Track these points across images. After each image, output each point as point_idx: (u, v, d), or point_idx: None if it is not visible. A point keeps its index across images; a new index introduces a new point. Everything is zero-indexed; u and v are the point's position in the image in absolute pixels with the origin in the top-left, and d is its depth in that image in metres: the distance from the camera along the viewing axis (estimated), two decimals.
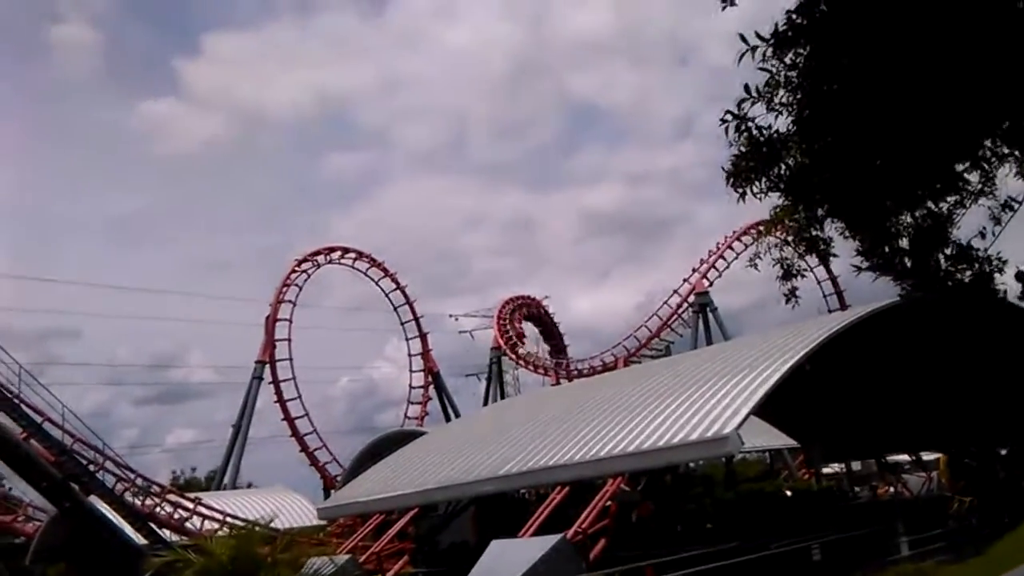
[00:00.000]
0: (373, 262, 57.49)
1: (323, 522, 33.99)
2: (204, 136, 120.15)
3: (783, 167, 6.36)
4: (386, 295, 58.46)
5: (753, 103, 6.29)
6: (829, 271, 59.49)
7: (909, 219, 6.73)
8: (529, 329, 64.57)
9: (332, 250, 56.32)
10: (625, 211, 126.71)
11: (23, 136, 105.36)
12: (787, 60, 6.20)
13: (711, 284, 58.20)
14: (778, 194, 6.52)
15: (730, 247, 57.25)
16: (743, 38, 6.06)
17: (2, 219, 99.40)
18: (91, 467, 30.25)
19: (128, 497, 31.17)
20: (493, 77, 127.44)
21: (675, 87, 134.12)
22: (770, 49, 6.10)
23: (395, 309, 58.76)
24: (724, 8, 6.13)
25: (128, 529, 30.01)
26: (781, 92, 6.23)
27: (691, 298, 57.73)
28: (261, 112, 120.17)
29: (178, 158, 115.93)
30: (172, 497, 34.22)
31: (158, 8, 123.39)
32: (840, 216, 6.61)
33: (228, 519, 28.92)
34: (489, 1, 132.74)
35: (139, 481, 33.17)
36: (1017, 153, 6.41)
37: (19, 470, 30.21)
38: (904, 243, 6.79)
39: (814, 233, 6.88)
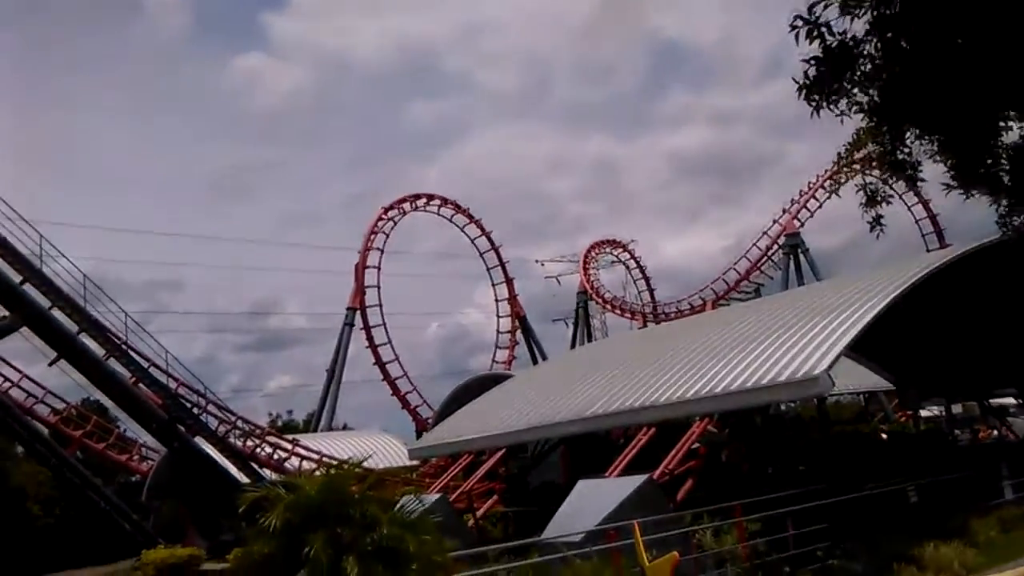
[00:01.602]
0: (458, 208, 57.75)
1: (416, 463, 34.93)
2: (292, 89, 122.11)
3: (866, 84, 5.90)
4: (472, 241, 58.89)
5: (827, 5, 5.82)
6: (928, 209, 57.20)
7: (1011, 136, 6.24)
8: (617, 272, 64.25)
9: (418, 197, 56.77)
10: (713, 152, 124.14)
11: (125, 96, 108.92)
12: None
13: (802, 224, 56.64)
14: (861, 115, 6.09)
15: (822, 186, 55.36)
16: None
17: (110, 176, 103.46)
18: (195, 410, 31.69)
19: (230, 438, 32.60)
20: (576, 18, 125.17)
21: (763, 23, 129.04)
22: None
23: (481, 255, 59.15)
24: None
25: (231, 468, 31.41)
26: None
27: (781, 239, 56.25)
28: (346, 62, 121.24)
29: (268, 111, 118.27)
30: (271, 438, 35.62)
31: None
32: (931, 132, 6.13)
33: (324, 459, 29.94)
34: None
35: (240, 423, 34.60)
36: None
37: (131, 412, 31.91)
38: (1003, 164, 6.29)
39: (900, 156, 6.42)
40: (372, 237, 53.44)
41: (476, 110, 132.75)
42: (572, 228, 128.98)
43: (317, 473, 12.26)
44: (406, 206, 55.85)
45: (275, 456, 33.67)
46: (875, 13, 5.70)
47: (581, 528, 14.74)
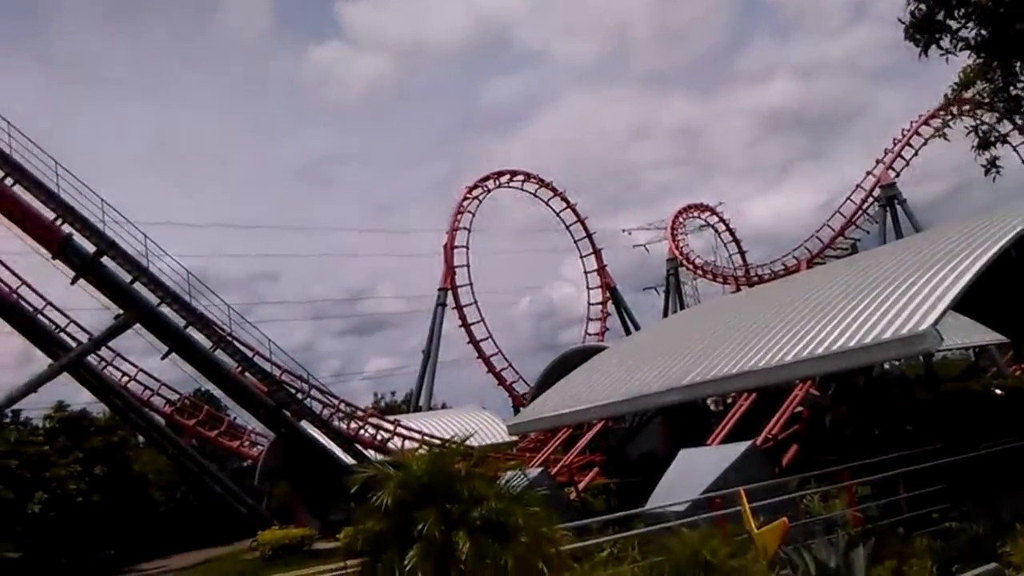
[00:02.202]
0: (542, 183, 57.68)
1: (515, 438, 35.28)
2: (370, 76, 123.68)
3: (974, 19, 5.58)
4: (557, 214, 58.79)
5: None
6: None
7: None
8: (706, 237, 63.27)
9: (500, 174, 56.90)
10: (800, 107, 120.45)
11: (208, 92, 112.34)
12: None
13: (898, 175, 54.52)
14: (968, 52, 5.78)
15: (917, 133, 53.12)
16: None
17: (200, 172, 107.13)
18: (299, 395, 32.72)
19: (334, 421, 33.57)
20: None
21: None
22: None
23: (567, 228, 59.02)
24: None
25: (336, 450, 32.37)
26: None
27: (876, 191, 54.30)
28: (421, 45, 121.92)
29: (349, 100, 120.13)
30: (373, 420, 36.51)
31: None
32: None
33: (426, 438, 30.53)
34: None
35: (343, 406, 35.58)
36: None
37: (238, 400, 33.24)
38: None
39: (1014, 91, 6.07)
40: (458, 217, 53.94)
41: (554, 82, 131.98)
42: (658, 195, 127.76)
43: (421, 452, 12.52)
44: (489, 184, 56.08)
45: (378, 437, 34.51)
46: None
47: (685, 497, 14.68)
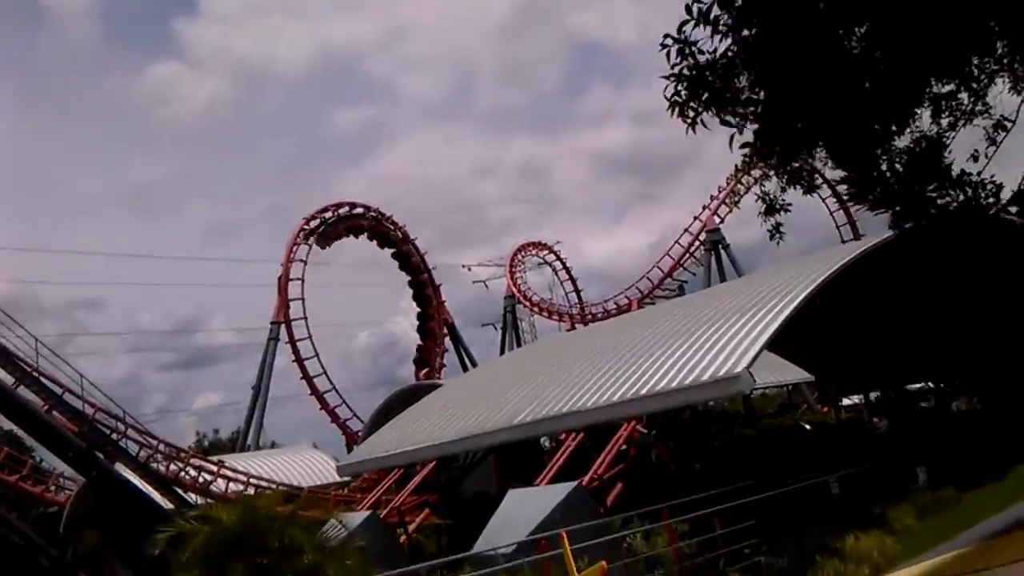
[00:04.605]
0: (382, 216, 57.13)
1: (347, 478, 34.40)
2: (208, 98, 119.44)
3: (750, 103, 5.96)
4: (397, 248, 58.20)
5: (695, 25, 5.89)
6: (841, 200, 58.88)
7: (901, 143, 6.39)
8: (544, 274, 64.50)
9: (339, 206, 55.87)
10: (635, 151, 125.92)
11: (31, 108, 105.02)
12: None
13: (722, 220, 57.60)
14: (755, 126, 6.15)
15: (739, 182, 56.48)
16: None
17: (20, 192, 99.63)
18: (114, 435, 30.57)
19: (153, 463, 31.56)
20: (495, 22, 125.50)
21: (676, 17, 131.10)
22: None
23: (407, 262, 58.50)
24: None
25: (154, 494, 30.43)
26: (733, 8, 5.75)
27: (703, 236, 57.20)
28: (264, 70, 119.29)
29: (184, 122, 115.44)
30: (196, 461, 34.61)
31: None
32: (817, 145, 6.24)
33: (252, 480, 29.25)
34: None
35: (161, 447, 33.53)
36: (1016, 67, 6.05)
37: (44, 441, 30.60)
38: (895, 169, 6.44)
39: (794, 165, 6.54)
40: (295, 248, 52.47)
41: (399, 116, 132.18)
42: (498, 231, 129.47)
43: (242, 495, 11.86)
44: (328, 215, 54.98)
45: (200, 479, 32.73)
46: (737, 35, 5.80)
47: (512, 539, 14.67)
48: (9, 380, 28.00)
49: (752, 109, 5.94)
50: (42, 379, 28.92)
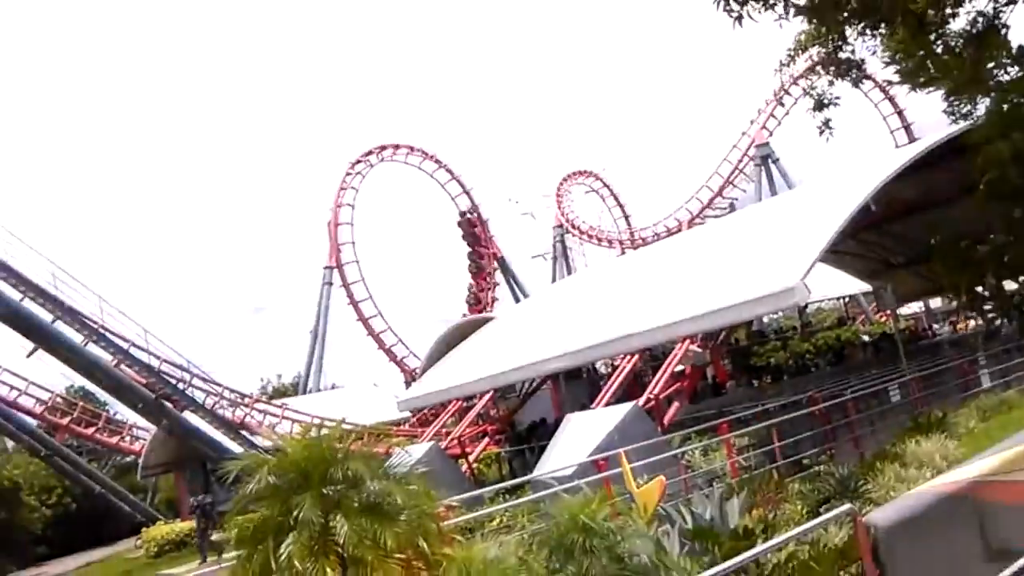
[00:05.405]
0: (426, 155, 57.08)
1: (407, 414, 35.09)
2: None
3: None
4: (442, 186, 58.26)
5: None
6: (894, 104, 57.04)
7: (957, 23, 6.06)
8: (591, 202, 63.97)
9: (383, 148, 55.95)
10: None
11: None
12: None
13: (771, 134, 56.27)
14: (801, 18, 5.87)
15: (787, 92, 54.87)
16: None
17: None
18: (180, 385, 31.54)
19: (219, 410, 32.55)
20: None
21: None
22: None
23: (453, 199, 58.58)
24: None
25: (223, 439, 31.42)
26: None
27: (752, 151, 56.01)
28: None
29: None
30: (260, 405, 35.60)
31: None
32: (874, 27, 5.93)
33: (315, 420, 29.93)
34: None
35: (226, 393, 34.51)
36: None
37: (116, 394, 31.77)
38: (951, 50, 6.11)
39: (844, 55, 6.25)
40: (341, 193, 52.88)
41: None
42: (545, 161, 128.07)
43: (303, 435, 12.19)
44: (372, 158, 55.10)
45: (266, 422, 33.68)
46: None
47: (572, 461, 14.84)
48: (79, 339, 28.95)
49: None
50: (109, 335, 29.83)
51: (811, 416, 15.51)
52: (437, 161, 57.38)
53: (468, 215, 58.66)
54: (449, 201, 58.75)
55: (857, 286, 32.66)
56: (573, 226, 60.10)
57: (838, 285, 32.07)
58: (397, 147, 56.52)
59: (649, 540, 8.19)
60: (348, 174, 53.54)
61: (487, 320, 31.74)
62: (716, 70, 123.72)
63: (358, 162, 54.32)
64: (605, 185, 64.68)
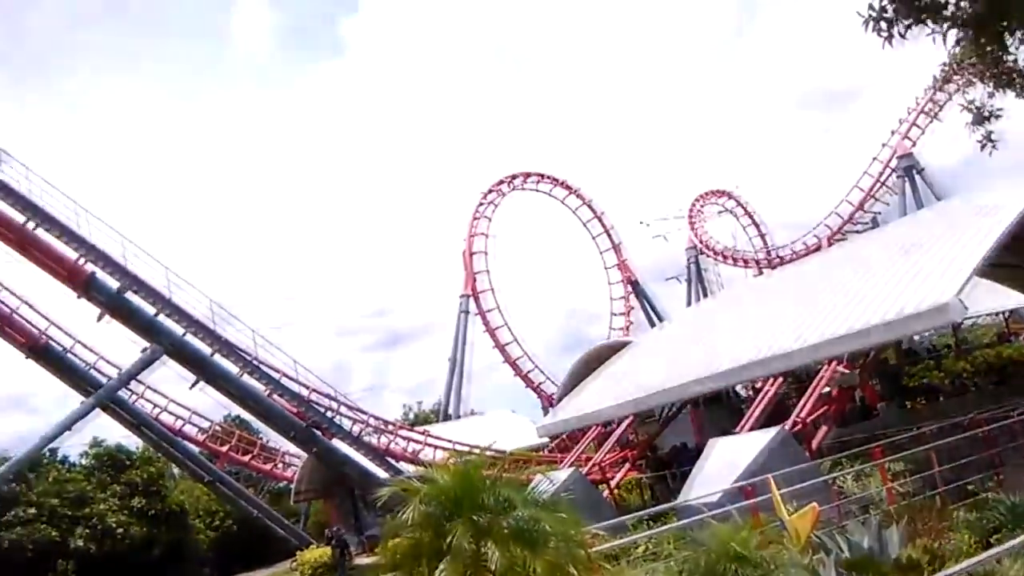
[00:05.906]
0: (556, 182, 57.61)
1: (545, 439, 35.24)
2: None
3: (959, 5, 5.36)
4: (573, 212, 58.53)
5: None
6: None
7: None
8: (724, 221, 62.76)
9: (514, 177, 56.85)
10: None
11: None
12: None
13: (914, 144, 53.69)
14: (956, 29, 5.62)
15: (931, 99, 52.32)
16: None
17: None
18: (329, 413, 32.84)
19: (365, 437, 33.66)
20: None
21: None
22: None
23: (584, 224, 58.69)
24: None
25: (369, 465, 32.44)
26: None
27: (894, 162, 53.60)
28: None
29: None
30: (403, 432, 36.59)
31: None
32: None
33: (456, 446, 30.53)
34: None
35: (372, 420, 35.67)
36: None
37: (270, 423, 33.43)
38: None
39: (1007, 64, 5.90)
40: (475, 223, 54.06)
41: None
42: (675, 183, 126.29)
43: (450, 462, 12.48)
44: (504, 187, 56.07)
45: (409, 449, 34.59)
46: None
47: (717, 487, 14.59)
48: (235, 370, 30.70)
49: (964, 5, 5.37)
50: (262, 367, 31.47)
51: (974, 440, 14.66)
52: (567, 187, 57.79)
53: (599, 238, 58.67)
54: (581, 227, 58.94)
55: (1018, 299, 30.64)
56: (707, 247, 59.11)
57: (996, 299, 30.17)
58: (528, 175, 57.34)
59: (804, 570, 8.00)
60: (481, 204, 54.71)
61: (624, 344, 31.64)
62: (852, 78, 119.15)
63: (490, 191, 55.40)
64: (739, 204, 63.36)
